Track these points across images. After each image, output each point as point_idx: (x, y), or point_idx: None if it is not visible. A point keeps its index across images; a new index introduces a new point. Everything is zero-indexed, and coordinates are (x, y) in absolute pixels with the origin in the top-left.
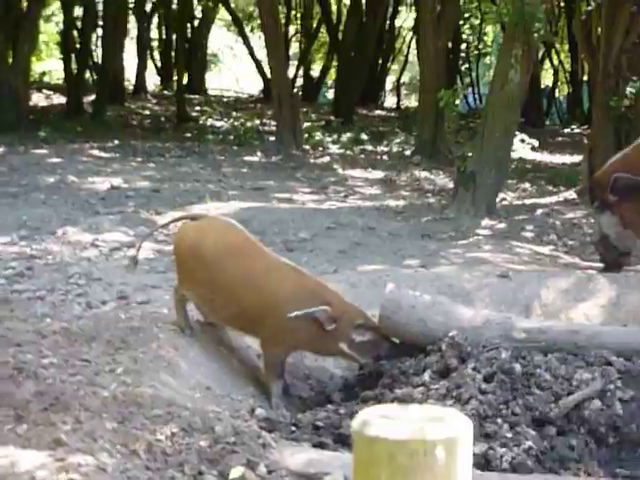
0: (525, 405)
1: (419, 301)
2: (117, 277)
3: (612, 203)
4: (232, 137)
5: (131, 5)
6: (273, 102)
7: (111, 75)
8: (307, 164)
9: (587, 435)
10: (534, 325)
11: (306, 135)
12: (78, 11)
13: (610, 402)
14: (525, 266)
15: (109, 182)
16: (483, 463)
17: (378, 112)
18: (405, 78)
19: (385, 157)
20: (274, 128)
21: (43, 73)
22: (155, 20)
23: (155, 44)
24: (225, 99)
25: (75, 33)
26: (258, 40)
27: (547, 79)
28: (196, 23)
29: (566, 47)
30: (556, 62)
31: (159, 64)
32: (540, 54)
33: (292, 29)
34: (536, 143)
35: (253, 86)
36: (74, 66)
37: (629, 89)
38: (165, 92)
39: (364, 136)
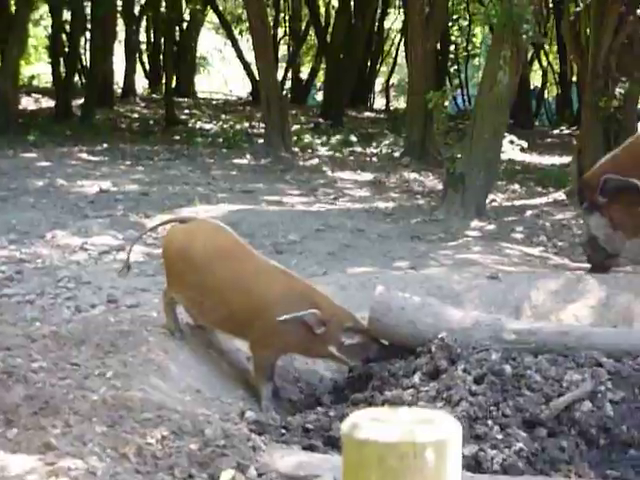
0: (515, 406)
1: (408, 303)
2: (106, 280)
3: (601, 204)
4: (221, 140)
5: (119, 8)
6: (262, 104)
7: (100, 78)
8: (296, 166)
9: (578, 436)
10: (524, 326)
11: (295, 137)
12: (66, 15)
13: (600, 403)
14: (515, 267)
15: (98, 185)
16: (474, 465)
17: (367, 114)
18: (394, 80)
19: (374, 159)
20: (263, 131)
21: (32, 77)
22: (143, 23)
23: (144, 47)
24: (214, 102)
25: (64, 37)
26: (247, 43)
27: (536, 80)
28: (185, 26)
29: (555, 48)
30: (545, 63)
31: (148, 67)
32: (529, 55)
33: (281, 31)
34: (525, 144)
35: (242, 89)
36: (63, 70)
37: (618, 90)
38: (154, 95)
39: (353, 138)
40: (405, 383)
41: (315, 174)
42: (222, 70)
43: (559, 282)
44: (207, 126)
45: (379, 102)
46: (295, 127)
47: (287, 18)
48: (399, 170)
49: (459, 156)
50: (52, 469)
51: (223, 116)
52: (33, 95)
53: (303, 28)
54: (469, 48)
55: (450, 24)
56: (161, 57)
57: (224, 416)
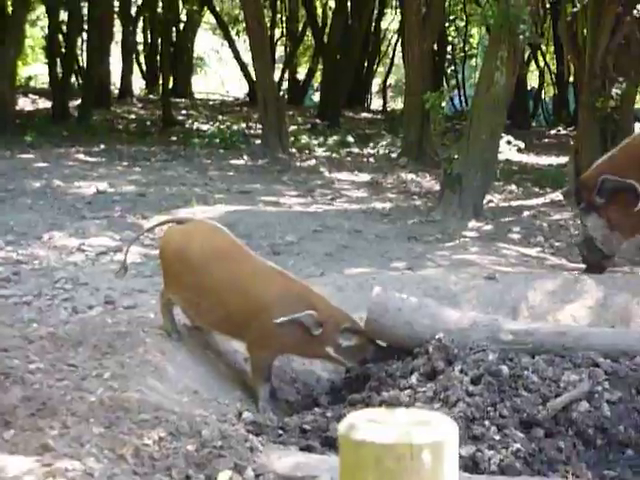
0: (513, 407)
1: (406, 304)
2: (104, 282)
3: (599, 205)
4: (218, 141)
5: (116, 9)
6: (259, 105)
7: (97, 79)
8: (293, 167)
9: (575, 437)
10: (521, 327)
11: (292, 138)
12: (63, 15)
13: (598, 404)
14: (512, 268)
15: (95, 186)
16: (471, 466)
17: (364, 115)
18: (391, 80)
19: (371, 160)
20: (260, 131)
21: (29, 77)
22: (140, 24)
23: (140, 48)
24: (211, 102)
25: (61, 37)
26: (243, 43)
27: (533, 80)
28: (181, 27)
29: (552, 48)
30: (542, 63)
31: (145, 68)
32: (526, 56)
33: (277, 32)
34: (522, 145)
35: (239, 89)
36: (60, 70)
37: (615, 90)
38: (151, 96)
39: (350, 139)
40: (402, 384)
41: (312, 175)
42: (219, 71)
43: (556, 282)
44: (204, 127)
45: (376, 103)
46: (292, 128)
47: (284, 19)
48: (396, 171)
49: (456, 157)
50: (49, 470)
51: (220, 117)
52: (30, 96)
53: (300, 29)
54: (466, 49)
55: (447, 25)
56: (158, 58)
57: (221, 417)
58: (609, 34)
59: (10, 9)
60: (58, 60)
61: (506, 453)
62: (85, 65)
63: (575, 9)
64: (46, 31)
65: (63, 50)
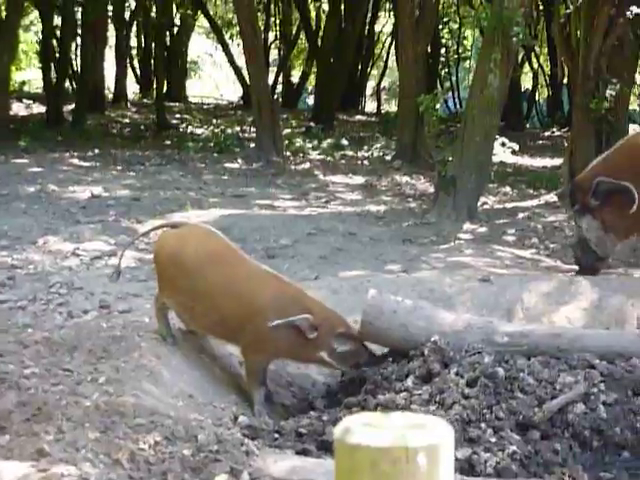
0: (509, 409)
1: (401, 306)
2: (98, 286)
3: (593, 207)
4: (212, 144)
5: (110, 13)
6: (253, 109)
7: (91, 84)
8: (288, 170)
9: (571, 439)
10: (516, 329)
11: (286, 141)
12: (57, 20)
13: (594, 405)
14: (507, 270)
15: (89, 191)
16: (467, 468)
17: (358, 117)
18: (385, 83)
19: (366, 162)
20: (254, 135)
21: (23, 82)
22: (134, 28)
23: (134, 52)
24: (205, 106)
25: (54, 42)
26: (237, 47)
27: (527, 82)
28: (175, 31)
29: (546, 50)
30: (536, 65)
31: (139, 72)
32: (520, 57)
33: (271, 35)
34: (516, 147)
35: (233, 93)
36: (53, 75)
37: (609, 91)
38: (145, 100)
39: (344, 142)
40: (398, 387)
41: (306, 178)
42: (213, 74)
43: (551, 284)
44: (198, 131)
45: (370, 105)
46: (286, 131)
47: (278, 22)
48: (390, 173)
49: (450, 159)
50: (45, 475)
51: (214, 120)
52: (24, 101)
53: (294, 32)
54: (460, 51)
55: (440, 27)
56: (152, 62)
57: (217, 421)
58: (602, 35)
59: (3, 14)
60: (52, 65)
61: (502, 455)
62: (79, 70)
63: (568, 11)
64: (40, 36)
65: (57, 55)
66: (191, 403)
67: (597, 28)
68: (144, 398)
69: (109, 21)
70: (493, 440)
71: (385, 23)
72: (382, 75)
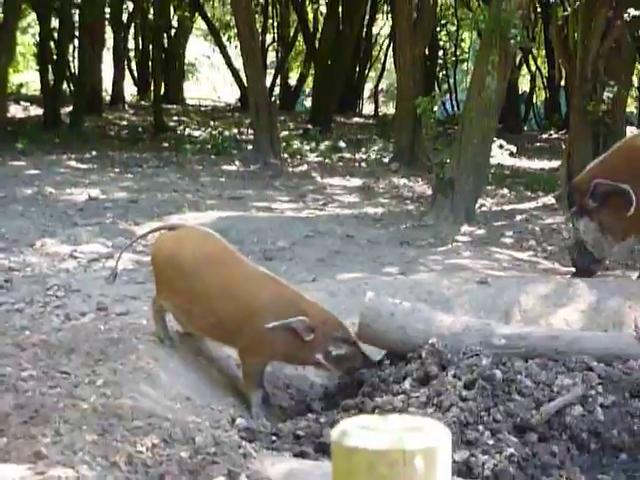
0: (506, 412)
1: (398, 309)
2: (96, 288)
3: (591, 209)
4: (210, 146)
5: (107, 15)
6: (250, 111)
7: (88, 86)
8: (285, 173)
9: (569, 441)
10: (514, 331)
11: (284, 143)
12: (54, 22)
13: (591, 408)
14: (504, 272)
15: (87, 193)
16: (465, 471)
17: (356, 120)
18: (382, 85)
19: (363, 164)
20: (252, 137)
21: (20, 85)
22: (132, 30)
23: (132, 54)
24: (203, 108)
25: (52, 44)
26: (235, 49)
27: (524, 85)
28: (173, 33)
29: (543, 52)
30: (533, 67)
31: (136, 74)
32: (517, 60)
33: (269, 38)
34: (514, 149)
35: (230, 95)
36: (51, 77)
37: (606, 94)
38: (142, 102)
39: (342, 144)
40: (396, 389)
41: (304, 180)
42: (211, 77)
43: (549, 286)
44: (196, 133)
45: (368, 108)
46: (284, 133)
47: (275, 24)
48: (388, 176)
49: (448, 161)
50: (42, 478)
51: (212, 123)
52: (21, 103)
53: (291, 34)
54: (457, 53)
55: (438, 29)
56: (150, 64)
57: (214, 423)
58: (600, 38)
59: (1, 16)
60: (49, 67)
61: (500, 458)
62: (77, 72)
63: (566, 13)
64: (37, 38)
65: (54, 57)
66: (189, 405)
67: (594, 30)
68: (142, 400)
69: (107, 23)
70: (491, 442)
71: (383, 25)
72: (380, 77)
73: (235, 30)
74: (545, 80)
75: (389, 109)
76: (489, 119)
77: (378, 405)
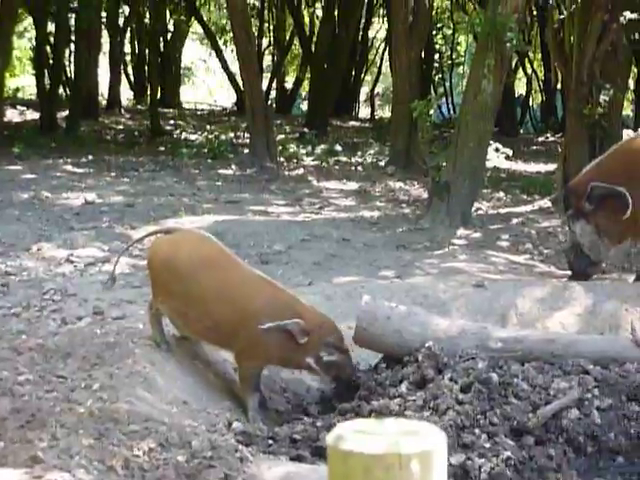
0: (503, 415)
1: (395, 312)
2: (92, 292)
3: (587, 211)
4: (206, 150)
5: (104, 20)
6: (247, 115)
7: (84, 90)
8: (281, 176)
9: (565, 444)
10: (510, 334)
11: (280, 147)
12: (51, 27)
13: (588, 411)
14: (501, 275)
15: (83, 197)
16: (461, 474)
17: (352, 123)
18: (379, 89)
19: (359, 168)
20: (248, 141)
21: (17, 89)
22: (128, 35)
23: (128, 58)
24: (199, 112)
25: (48, 49)
26: (231, 53)
27: (520, 88)
28: (169, 37)
29: (539, 56)
30: (529, 71)
31: (132, 78)
32: (513, 63)
33: (265, 41)
34: (510, 152)
35: (227, 99)
36: (47, 81)
37: (602, 97)
38: (139, 106)
39: (338, 147)
40: (392, 392)
41: (300, 184)
42: (207, 80)
43: (545, 290)
44: (192, 137)
45: (364, 111)
46: (280, 137)
47: (271, 28)
48: (384, 179)
49: (444, 164)
50: None
51: (208, 126)
52: (18, 107)
53: (287, 38)
54: (453, 56)
55: (434, 33)
56: (146, 68)
57: (211, 427)
58: (596, 41)
59: None
60: (46, 71)
61: (496, 461)
62: (73, 76)
63: (562, 16)
64: (34, 42)
65: (51, 61)
66: (185, 409)
67: (590, 34)
68: (138, 405)
69: (103, 27)
70: (487, 446)
71: (379, 29)
72: (376, 81)
73: (231, 34)
74: (541, 83)
75: (385, 113)
76: (485, 122)
77: (374, 409)
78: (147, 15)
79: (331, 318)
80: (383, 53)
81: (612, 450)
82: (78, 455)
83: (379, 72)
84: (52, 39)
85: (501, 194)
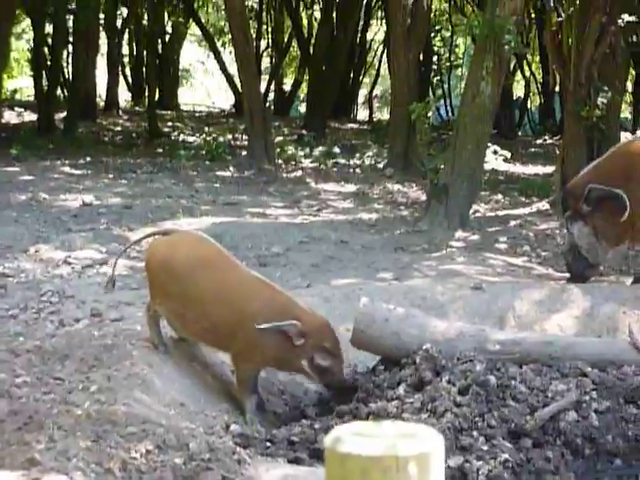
0: (501, 417)
1: (393, 314)
2: (90, 294)
3: (585, 213)
4: (204, 152)
5: (101, 21)
6: (245, 117)
7: (82, 92)
8: (280, 178)
9: (563, 447)
10: (508, 337)
11: (278, 149)
12: (48, 28)
13: (586, 413)
14: (499, 278)
15: (81, 199)
16: (459, 476)
17: (350, 125)
18: (377, 91)
19: (358, 170)
20: (246, 143)
21: (14, 90)
22: (126, 36)
23: (126, 60)
24: (197, 114)
25: (46, 50)
26: (229, 55)
27: (519, 90)
28: (167, 39)
29: (537, 58)
30: (527, 73)
31: (130, 80)
32: (511, 65)
33: (263, 43)
34: (508, 154)
35: (225, 101)
36: (45, 83)
37: (600, 99)
38: (137, 108)
39: (336, 150)
40: (390, 395)
41: (298, 186)
42: (205, 82)
43: (543, 292)
44: (190, 138)
45: (362, 113)
46: (278, 139)
47: (269, 30)
48: (382, 181)
49: (442, 167)
50: None
51: (206, 128)
52: (16, 109)
53: (286, 40)
54: (452, 59)
55: (432, 35)
56: (144, 70)
57: (209, 429)
58: (594, 43)
59: None
60: (44, 73)
61: (494, 463)
62: (71, 78)
63: (560, 19)
64: (31, 44)
65: (49, 63)
66: (183, 411)
67: (588, 36)
68: (136, 407)
69: (101, 29)
70: (485, 448)
71: (377, 31)
72: (374, 83)
73: (229, 36)
74: (539, 85)
75: (383, 115)
76: (483, 125)
77: (372, 411)
78: (145, 17)
79: (329, 321)
80: (381, 55)
81: (610, 452)
82: (75, 457)
83: (377, 74)
84: (50, 40)
85: (499, 196)
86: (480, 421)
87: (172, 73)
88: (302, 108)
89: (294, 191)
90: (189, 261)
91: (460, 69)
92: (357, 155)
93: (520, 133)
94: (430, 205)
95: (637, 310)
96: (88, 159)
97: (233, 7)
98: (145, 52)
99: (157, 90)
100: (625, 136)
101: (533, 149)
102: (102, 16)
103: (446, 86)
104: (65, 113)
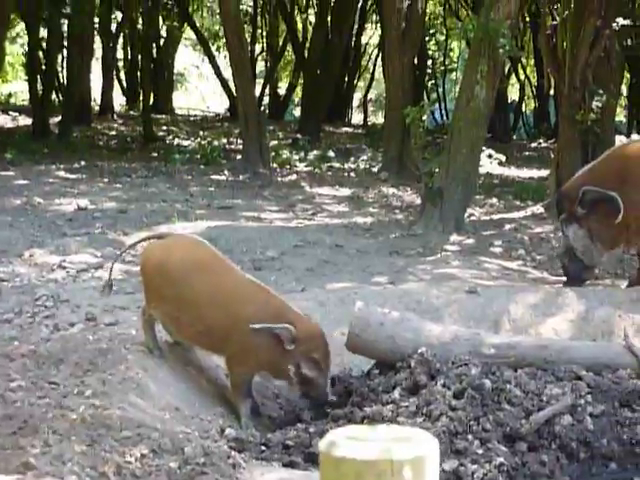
0: (496, 421)
1: (388, 318)
2: (85, 299)
3: (580, 216)
4: (199, 156)
5: (96, 25)
6: (239, 121)
7: (77, 96)
8: (274, 182)
9: (558, 450)
10: (503, 340)
11: (273, 153)
12: (43, 32)
13: (581, 417)
14: (493, 281)
15: (76, 203)
16: None
17: (345, 129)
18: (371, 95)
19: (352, 174)
20: (241, 147)
21: (9, 95)
22: (120, 40)
23: (121, 64)
24: (192, 118)
25: (41, 54)
26: (224, 59)
27: (513, 94)
28: (162, 43)
29: (532, 61)
30: (522, 77)
31: (125, 84)
32: (506, 69)
33: (258, 47)
34: (503, 158)
35: (220, 105)
36: (40, 87)
37: (595, 103)
38: (131, 112)
39: (331, 153)
40: (385, 399)
41: (293, 190)
42: (199, 86)
43: (538, 296)
44: (185, 143)
45: (357, 117)
46: (273, 143)
47: (264, 34)
48: (377, 185)
49: (437, 170)
50: None
51: (201, 132)
52: (10, 113)
53: (280, 44)
54: (446, 62)
55: (427, 39)
56: (138, 74)
57: (203, 434)
58: (589, 47)
59: None
60: (38, 77)
61: (489, 467)
62: (65, 82)
63: (555, 22)
64: (26, 48)
65: (43, 67)
66: (178, 416)
67: (583, 40)
68: (130, 411)
69: (95, 33)
70: (480, 452)
71: (372, 35)
72: (369, 87)
73: (224, 40)
74: (534, 89)
75: (378, 119)
76: (478, 128)
77: (367, 415)
78: (140, 21)
79: (324, 326)
80: (376, 59)
81: (605, 456)
82: (70, 461)
83: (372, 78)
84: (45, 45)
85: (494, 200)
86: (475, 425)
87: (167, 77)
88: (297, 112)
89: (289, 195)
90: (184, 264)
91: (455, 73)
92: (352, 159)
93: (515, 137)
94: (425, 209)
95: (632, 314)
96: (83, 163)
97: (228, 11)
98: (140, 56)
99: (152, 94)
100: (620, 140)
101: (528, 153)
102: (97, 20)
103: (441, 90)
104: (60, 117)
